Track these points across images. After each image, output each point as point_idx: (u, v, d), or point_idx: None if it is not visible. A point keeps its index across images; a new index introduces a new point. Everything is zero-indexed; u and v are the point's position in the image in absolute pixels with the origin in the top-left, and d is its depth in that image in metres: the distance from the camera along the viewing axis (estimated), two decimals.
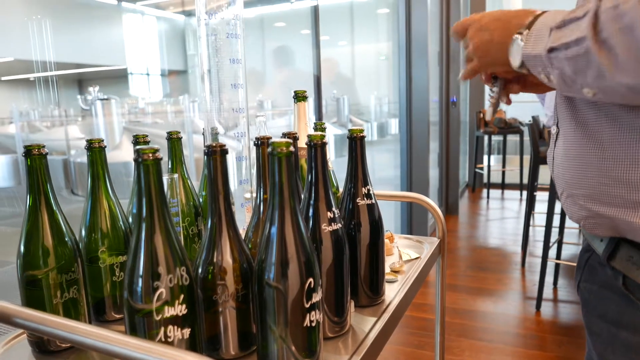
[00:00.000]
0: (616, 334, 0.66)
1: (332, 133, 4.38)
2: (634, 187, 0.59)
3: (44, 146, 0.66)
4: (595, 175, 0.64)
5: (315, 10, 3.20)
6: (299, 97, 0.93)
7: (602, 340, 0.69)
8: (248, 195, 0.92)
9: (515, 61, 0.66)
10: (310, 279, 0.57)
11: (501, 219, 4.96)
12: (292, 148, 0.57)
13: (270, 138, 0.72)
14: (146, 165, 0.53)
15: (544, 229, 2.76)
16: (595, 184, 0.64)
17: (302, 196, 0.71)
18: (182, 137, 0.91)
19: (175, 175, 0.75)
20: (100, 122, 4.73)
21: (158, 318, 0.53)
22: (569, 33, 0.54)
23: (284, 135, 0.80)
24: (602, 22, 0.49)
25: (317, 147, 0.67)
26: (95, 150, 0.75)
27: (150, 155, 0.53)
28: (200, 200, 0.94)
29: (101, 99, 4.78)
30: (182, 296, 0.55)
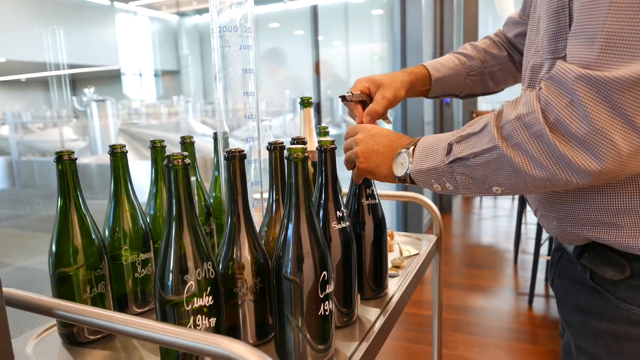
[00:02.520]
0: (587, 322, 0.73)
1: None
2: (603, 211, 0.66)
3: (73, 152, 0.71)
4: (565, 201, 0.71)
5: (314, 10, 3.25)
6: (305, 103, 0.98)
7: (576, 328, 0.77)
8: (257, 196, 0.97)
9: (399, 172, 0.75)
10: (324, 272, 0.63)
11: (494, 218, 5.04)
12: (307, 153, 0.63)
13: (282, 143, 0.78)
14: (176, 170, 0.59)
15: (535, 226, 2.84)
16: (566, 208, 0.71)
17: (314, 197, 0.77)
18: (194, 142, 0.96)
19: (193, 179, 0.80)
20: (95, 123, 4.73)
21: (188, 308, 0.59)
22: (474, 145, 0.64)
23: (294, 140, 0.85)
24: (509, 131, 0.59)
25: (327, 152, 0.73)
26: (118, 155, 0.80)
27: (180, 160, 0.58)
28: (211, 200, 0.99)
29: (96, 100, 4.78)
30: (208, 288, 0.60)
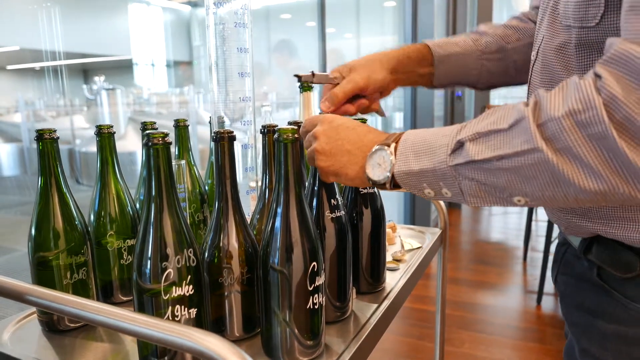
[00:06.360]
0: (593, 323, 0.68)
1: None
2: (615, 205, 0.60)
3: (55, 130, 0.68)
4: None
5: (322, 2, 3.20)
6: (305, 86, 0.94)
7: (580, 329, 0.71)
8: (253, 183, 0.93)
9: (377, 175, 0.60)
10: (314, 263, 0.58)
11: (504, 214, 4.96)
12: (297, 135, 0.58)
13: (277, 126, 0.73)
14: (156, 149, 0.55)
15: (546, 223, 2.77)
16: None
17: (307, 183, 0.73)
18: (188, 125, 0.92)
19: (183, 162, 0.77)
20: (105, 111, 4.74)
21: (166, 298, 0.55)
22: (500, 145, 0.51)
23: (290, 123, 0.81)
24: (555, 131, 0.47)
25: None
26: (105, 135, 0.77)
27: (160, 139, 0.55)
28: (206, 187, 0.95)
29: (106, 89, 4.80)
30: (189, 277, 0.56)
